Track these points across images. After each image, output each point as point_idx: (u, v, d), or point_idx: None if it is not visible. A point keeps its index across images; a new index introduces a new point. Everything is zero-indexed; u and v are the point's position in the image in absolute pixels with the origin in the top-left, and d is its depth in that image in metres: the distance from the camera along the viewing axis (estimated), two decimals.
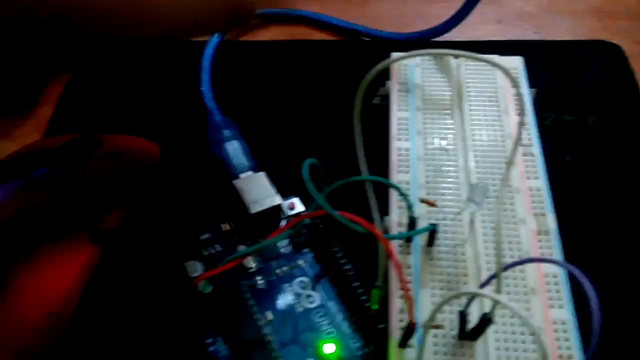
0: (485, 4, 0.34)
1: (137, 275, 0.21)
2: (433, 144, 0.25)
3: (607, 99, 0.29)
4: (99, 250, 0.20)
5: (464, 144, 0.25)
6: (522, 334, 0.20)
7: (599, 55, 0.31)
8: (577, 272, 0.16)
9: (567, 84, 0.30)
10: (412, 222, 0.22)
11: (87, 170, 0.22)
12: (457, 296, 0.19)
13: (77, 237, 0.20)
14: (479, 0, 0.29)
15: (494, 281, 0.18)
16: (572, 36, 0.33)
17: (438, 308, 0.17)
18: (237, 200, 0.24)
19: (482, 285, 0.18)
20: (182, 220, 0.23)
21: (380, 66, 0.17)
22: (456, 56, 0.27)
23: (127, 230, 0.22)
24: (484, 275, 0.21)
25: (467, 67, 0.28)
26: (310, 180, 0.18)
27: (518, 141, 0.18)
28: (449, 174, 0.24)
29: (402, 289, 0.18)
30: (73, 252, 0.19)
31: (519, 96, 0.26)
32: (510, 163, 0.18)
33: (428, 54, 0.27)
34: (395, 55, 0.17)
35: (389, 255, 0.18)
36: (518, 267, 0.21)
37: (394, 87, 0.28)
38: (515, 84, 0.17)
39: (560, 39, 0.32)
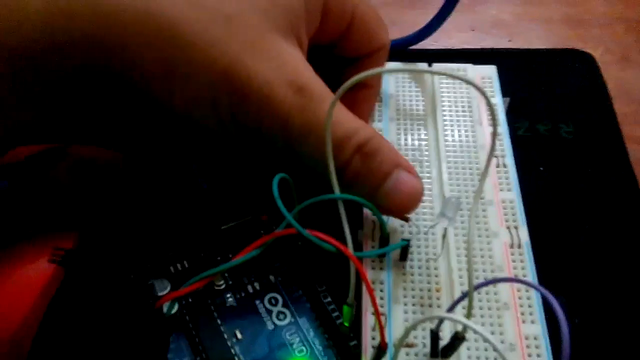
0: (460, 12, 0.34)
1: (101, 296, 0.20)
2: (406, 155, 0.25)
3: (580, 108, 0.29)
4: (61, 271, 0.19)
5: (437, 155, 0.25)
6: (495, 350, 0.20)
7: (571, 64, 0.31)
8: (546, 293, 0.16)
9: (540, 92, 0.30)
10: (384, 239, 0.21)
11: (49, 184, 0.21)
12: (426, 320, 0.19)
13: (37, 257, 0.19)
14: (453, 8, 0.28)
15: (466, 299, 0.18)
16: (545, 44, 0.33)
17: (408, 332, 0.16)
18: (205, 213, 0.23)
19: (454, 305, 0.18)
20: (148, 236, 0.23)
21: (348, 83, 0.17)
22: (428, 73, 0.27)
23: (89, 248, 0.21)
24: (457, 291, 0.21)
25: (441, 77, 0.28)
26: (279, 198, 0.17)
27: (491, 155, 0.18)
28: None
29: (374, 311, 0.18)
30: (32, 273, 0.19)
31: (491, 107, 0.26)
32: (484, 176, 0.18)
33: (401, 71, 0.27)
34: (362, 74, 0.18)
35: (360, 275, 0.17)
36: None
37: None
38: (487, 101, 0.17)
39: (533, 47, 0.32)
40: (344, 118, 0.20)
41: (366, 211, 0.23)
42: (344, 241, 0.19)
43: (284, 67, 0.19)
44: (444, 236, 0.22)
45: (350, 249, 0.18)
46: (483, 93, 0.16)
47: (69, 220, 0.21)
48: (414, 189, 0.20)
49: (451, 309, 0.18)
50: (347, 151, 0.19)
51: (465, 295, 0.18)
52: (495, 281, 0.19)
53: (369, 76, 0.17)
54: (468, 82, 0.17)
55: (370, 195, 0.20)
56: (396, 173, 0.20)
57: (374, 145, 0.19)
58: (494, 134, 0.17)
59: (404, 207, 0.20)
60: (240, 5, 0.19)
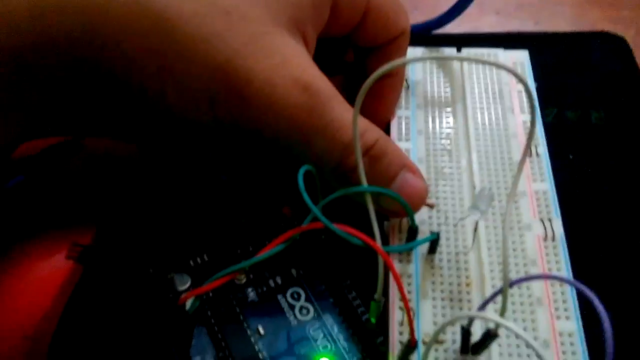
0: None
1: (120, 292, 0.20)
2: (435, 144, 0.24)
3: (611, 94, 0.28)
4: (79, 267, 0.19)
5: (467, 143, 0.24)
6: (528, 347, 0.19)
7: (601, 48, 0.30)
8: (586, 291, 0.15)
9: (569, 77, 0.29)
10: (412, 231, 0.20)
11: (65, 177, 0.20)
12: (457, 320, 0.18)
13: (55, 253, 0.19)
14: None
15: (499, 297, 0.17)
16: (573, 27, 0.32)
17: (443, 328, 0.16)
18: (224, 206, 0.22)
19: (486, 302, 0.17)
20: (167, 229, 0.22)
21: (368, 83, 0.16)
22: (460, 60, 0.26)
23: (107, 243, 0.20)
24: (488, 285, 0.20)
25: (470, 62, 0.27)
26: (305, 191, 0.17)
27: (528, 148, 0.17)
28: (451, 176, 0.23)
29: (404, 306, 0.17)
30: (51, 269, 0.18)
31: (530, 96, 0.25)
32: (520, 170, 0.17)
33: (431, 59, 0.26)
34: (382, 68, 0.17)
35: (389, 269, 0.17)
36: (524, 276, 0.20)
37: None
38: (526, 88, 0.16)
39: (560, 30, 0.31)
40: (350, 120, 0.19)
41: None
42: (371, 235, 0.18)
43: (287, 64, 0.18)
44: (475, 229, 0.21)
45: (378, 243, 0.17)
46: (522, 80, 0.15)
47: (86, 214, 0.20)
48: (419, 189, 0.20)
49: (483, 306, 0.17)
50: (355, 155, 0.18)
51: (497, 292, 0.17)
52: (529, 278, 0.18)
53: (393, 68, 0.16)
54: (505, 69, 0.16)
55: (377, 196, 0.19)
56: (402, 174, 0.20)
57: (381, 147, 0.19)
58: (533, 123, 0.16)
59: (410, 207, 0.20)
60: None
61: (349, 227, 0.17)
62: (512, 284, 0.16)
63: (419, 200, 0.20)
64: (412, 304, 0.20)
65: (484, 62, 0.18)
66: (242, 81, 0.17)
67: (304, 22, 0.19)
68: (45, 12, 0.16)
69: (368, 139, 0.19)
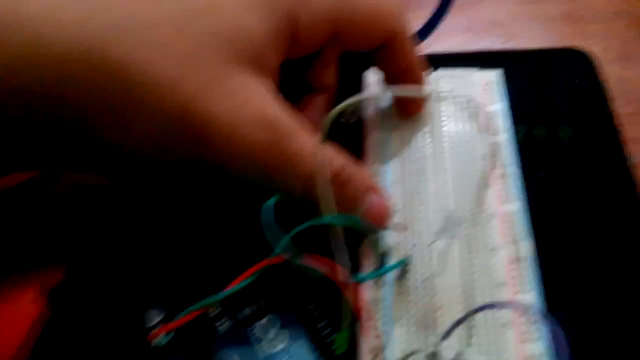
0: (454, 13, 0.33)
1: (91, 330, 0.20)
2: (410, 166, 0.24)
3: (579, 110, 0.28)
4: (48, 307, 0.19)
5: (441, 165, 0.24)
6: None
7: (570, 63, 0.31)
8: (543, 320, 0.15)
9: (539, 94, 0.29)
10: (382, 257, 0.21)
11: (41, 211, 0.20)
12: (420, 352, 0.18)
13: (24, 294, 0.19)
14: (446, 9, 0.28)
15: (463, 325, 0.17)
16: (543, 43, 0.32)
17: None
18: (198, 236, 0.23)
19: (450, 330, 0.18)
20: (141, 262, 0.22)
21: (329, 119, 0.16)
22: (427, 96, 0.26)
23: (77, 280, 0.20)
24: (459, 308, 0.20)
25: (443, 81, 0.27)
26: (269, 226, 0.17)
27: (493, 169, 0.17)
28: (425, 198, 0.23)
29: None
30: (22, 307, 0.18)
31: (495, 114, 0.26)
32: (484, 189, 0.18)
33: (399, 94, 0.26)
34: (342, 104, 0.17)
35: (354, 301, 0.17)
36: (492, 299, 0.21)
37: (368, 106, 0.27)
38: (490, 130, 0.16)
39: (531, 47, 0.32)
40: (313, 151, 0.19)
41: None
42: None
43: (247, 104, 0.18)
44: (445, 253, 0.21)
45: (344, 274, 0.18)
46: (487, 118, 0.16)
47: (56, 251, 0.20)
48: (384, 211, 0.21)
49: (447, 334, 0.18)
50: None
51: (462, 319, 0.17)
52: (487, 307, 0.18)
53: (347, 107, 0.16)
54: (476, 106, 0.16)
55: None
56: (368, 197, 0.21)
57: (347, 174, 0.20)
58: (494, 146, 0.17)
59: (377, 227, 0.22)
60: (196, 42, 0.18)
61: (316, 258, 0.17)
62: (473, 312, 0.17)
63: (384, 219, 0.22)
64: (382, 330, 0.20)
65: (451, 96, 0.19)
66: (201, 125, 0.17)
67: (264, 56, 0.19)
68: (6, 67, 0.16)
69: (334, 166, 0.19)
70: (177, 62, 0.17)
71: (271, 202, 0.17)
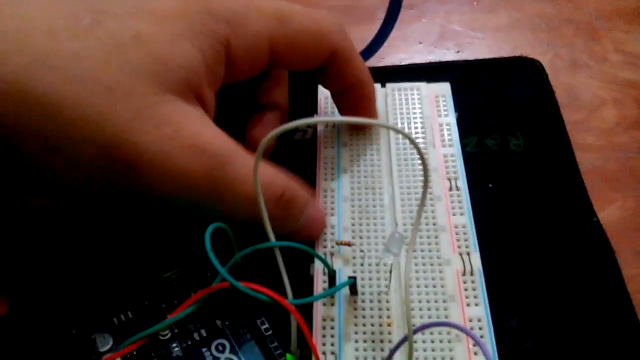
0: (407, 24, 0.34)
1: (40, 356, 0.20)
2: (359, 182, 0.25)
3: (529, 119, 0.29)
4: None
5: (390, 180, 0.24)
6: None
7: (519, 72, 0.31)
8: (477, 339, 0.15)
9: (489, 105, 0.30)
10: (331, 278, 0.21)
11: None
12: None
13: None
14: (393, 23, 0.28)
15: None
16: (494, 53, 0.33)
17: None
18: (148, 260, 0.22)
19: (393, 352, 0.18)
20: (89, 287, 0.22)
21: (264, 143, 0.16)
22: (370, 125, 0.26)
23: (21, 311, 0.20)
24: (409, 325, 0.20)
25: (394, 95, 0.27)
26: (212, 251, 0.17)
27: (426, 189, 0.18)
28: (375, 214, 0.24)
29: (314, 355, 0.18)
30: None
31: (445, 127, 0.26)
32: (421, 207, 0.18)
33: (345, 122, 0.26)
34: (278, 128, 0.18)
35: (300, 325, 0.17)
36: (443, 313, 0.21)
37: (320, 124, 0.27)
38: (419, 152, 0.16)
39: (482, 56, 0.32)
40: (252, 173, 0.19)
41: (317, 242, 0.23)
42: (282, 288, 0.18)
43: (180, 132, 0.18)
44: (391, 271, 0.21)
45: (289, 297, 0.18)
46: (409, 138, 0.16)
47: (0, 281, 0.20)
48: (320, 219, 0.23)
49: (390, 356, 0.18)
50: (266, 205, 0.19)
51: (404, 339, 0.17)
52: (426, 327, 0.18)
53: (280, 132, 0.16)
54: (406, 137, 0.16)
55: (290, 234, 0.21)
56: (305, 211, 0.21)
57: (288, 195, 0.20)
58: (425, 183, 0.17)
59: (313, 236, 0.23)
60: (124, 72, 0.17)
61: (256, 285, 0.17)
62: (415, 331, 0.17)
63: (321, 227, 0.23)
64: (334, 348, 0.20)
65: (394, 129, 0.19)
66: (132, 155, 0.17)
67: (197, 83, 0.19)
68: None
69: (275, 189, 0.20)
70: (102, 95, 0.17)
71: (212, 227, 0.17)
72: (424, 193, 0.17)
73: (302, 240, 0.21)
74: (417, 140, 0.26)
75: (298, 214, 0.21)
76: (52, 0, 0.17)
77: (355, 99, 0.24)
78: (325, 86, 0.25)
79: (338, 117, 0.25)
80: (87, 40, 0.17)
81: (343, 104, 0.25)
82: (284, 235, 0.20)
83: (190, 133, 0.18)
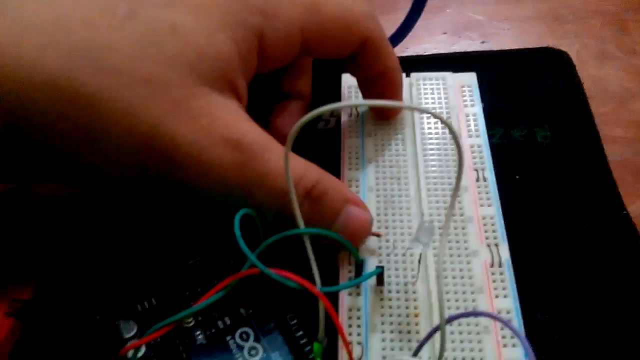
0: (431, 14, 0.34)
1: (63, 344, 0.20)
2: (384, 172, 0.24)
3: (556, 111, 0.29)
4: (19, 324, 0.18)
5: (416, 171, 0.24)
6: None
7: (546, 64, 0.31)
8: (514, 329, 0.15)
9: (515, 96, 0.29)
10: (359, 265, 0.20)
11: (7, 228, 0.20)
12: None
13: None
14: (421, 12, 0.28)
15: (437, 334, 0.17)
16: (520, 44, 0.32)
17: None
18: (172, 247, 0.22)
19: (423, 343, 0.18)
20: (114, 274, 0.22)
21: (295, 130, 0.16)
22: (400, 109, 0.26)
23: (48, 295, 0.20)
24: (437, 315, 0.20)
25: (419, 85, 0.27)
26: (241, 237, 0.17)
27: (460, 179, 0.17)
28: (401, 204, 0.23)
29: (345, 348, 0.17)
30: None
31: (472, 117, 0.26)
32: (451, 207, 0.18)
33: (375, 105, 0.26)
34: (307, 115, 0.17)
35: (329, 312, 0.17)
36: (471, 304, 0.21)
37: (344, 112, 0.26)
38: (457, 145, 0.16)
39: (508, 47, 0.32)
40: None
41: None
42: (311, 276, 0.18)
43: (214, 124, 0.18)
44: (419, 261, 0.21)
45: (318, 285, 0.17)
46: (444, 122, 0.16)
47: (27, 266, 0.20)
48: (363, 221, 0.21)
49: (420, 347, 0.18)
50: (298, 199, 0.19)
51: (433, 330, 0.17)
52: (459, 316, 0.18)
53: (313, 117, 0.16)
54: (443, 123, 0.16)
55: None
56: (345, 210, 0.20)
57: (321, 187, 0.19)
58: (460, 171, 0.17)
59: (355, 241, 0.21)
60: (161, 64, 0.17)
61: (286, 271, 0.17)
62: (449, 320, 0.17)
63: (364, 231, 0.21)
64: (361, 338, 0.20)
65: (422, 110, 0.18)
66: (169, 147, 0.17)
67: (230, 76, 0.19)
68: None
69: (307, 181, 0.19)
70: (140, 87, 0.17)
71: (241, 212, 0.17)
72: (459, 177, 0.17)
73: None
74: (444, 132, 0.25)
75: (333, 211, 0.20)
76: None
77: (383, 86, 0.24)
78: (353, 73, 0.24)
79: (367, 101, 0.25)
80: (123, 30, 0.17)
81: (370, 91, 0.24)
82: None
83: (225, 126, 0.18)
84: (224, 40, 0.18)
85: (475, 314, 0.19)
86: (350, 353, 0.18)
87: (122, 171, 0.18)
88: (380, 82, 0.24)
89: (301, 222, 0.18)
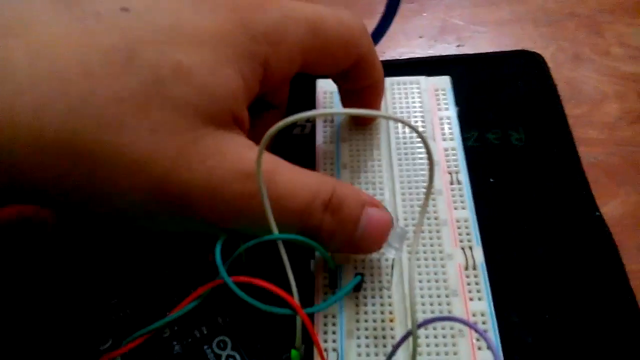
0: (407, 18, 0.34)
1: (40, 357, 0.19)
2: (359, 177, 0.24)
3: (530, 113, 0.29)
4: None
5: (391, 174, 0.24)
6: None
7: (521, 66, 0.31)
8: (482, 333, 0.15)
9: (490, 99, 0.30)
10: (332, 273, 0.21)
11: None
12: None
13: None
14: (393, 17, 0.28)
15: (411, 339, 0.17)
16: (496, 47, 0.32)
17: None
18: (148, 256, 0.22)
19: (397, 347, 0.18)
20: (89, 284, 0.22)
21: (267, 137, 0.16)
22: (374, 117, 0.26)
23: (22, 310, 0.20)
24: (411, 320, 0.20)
25: (393, 89, 0.27)
26: (222, 264, 0.17)
27: (431, 184, 0.17)
28: None
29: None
30: None
31: (446, 121, 0.26)
32: (423, 210, 0.18)
33: (346, 114, 0.26)
34: (314, 112, 0.17)
35: (307, 328, 0.17)
36: (445, 308, 0.21)
37: (319, 119, 0.27)
38: (426, 147, 0.16)
39: (483, 50, 0.32)
40: (300, 180, 0.19)
41: None
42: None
43: (224, 160, 0.17)
44: (393, 266, 0.21)
45: (295, 295, 0.18)
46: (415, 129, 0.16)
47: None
48: (383, 222, 0.20)
49: (394, 352, 0.18)
50: (316, 215, 0.19)
51: (408, 335, 0.17)
52: (430, 321, 0.18)
53: (287, 124, 0.16)
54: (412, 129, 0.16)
55: (348, 243, 0.20)
56: (364, 214, 0.20)
57: (338, 197, 0.19)
58: (430, 178, 0.17)
59: (379, 243, 0.21)
60: (166, 110, 0.17)
61: (260, 280, 0.17)
62: (419, 326, 0.17)
63: (386, 232, 0.20)
64: (337, 345, 0.20)
65: (397, 120, 0.18)
66: (181, 194, 0.17)
67: (238, 109, 0.19)
68: None
69: (323, 195, 0.19)
70: (146, 138, 0.16)
71: (219, 244, 0.17)
72: (430, 182, 0.17)
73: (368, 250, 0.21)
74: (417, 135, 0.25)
75: (354, 217, 0.19)
76: (82, 31, 0.16)
77: (367, 97, 0.24)
78: (338, 84, 0.24)
79: (346, 110, 0.25)
80: (125, 77, 0.16)
81: (353, 100, 0.24)
82: (342, 249, 0.20)
83: (233, 159, 0.18)
84: (230, 75, 0.18)
85: (444, 318, 0.19)
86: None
87: (130, 218, 0.18)
88: (365, 92, 0.24)
89: (274, 227, 0.18)
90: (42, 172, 0.16)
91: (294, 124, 0.28)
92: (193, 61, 0.17)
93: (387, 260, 0.22)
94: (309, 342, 0.19)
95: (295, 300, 0.17)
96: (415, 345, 0.17)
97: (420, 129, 0.26)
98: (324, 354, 0.19)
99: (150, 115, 0.17)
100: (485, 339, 0.15)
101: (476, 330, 0.16)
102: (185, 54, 0.17)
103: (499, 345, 0.20)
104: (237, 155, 0.18)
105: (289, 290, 0.18)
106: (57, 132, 0.16)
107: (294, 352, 0.18)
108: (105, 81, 0.16)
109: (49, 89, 0.15)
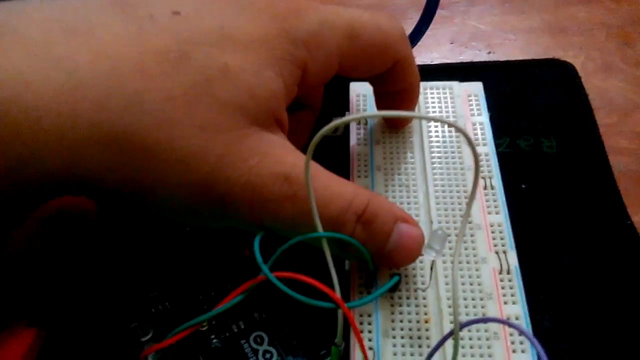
0: (438, 24, 0.34)
1: (85, 349, 0.20)
2: (393, 179, 0.25)
3: (561, 121, 0.29)
4: (41, 333, 0.19)
5: (424, 178, 0.24)
6: None
7: (552, 75, 0.31)
8: (530, 337, 0.15)
9: (521, 106, 0.30)
10: (371, 273, 0.21)
11: (15, 244, 0.20)
12: None
13: (14, 323, 0.18)
14: (428, 23, 0.28)
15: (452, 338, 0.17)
16: (526, 54, 0.33)
17: None
18: (186, 251, 0.23)
19: (437, 346, 0.18)
20: (129, 278, 0.22)
21: (315, 140, 0.17)
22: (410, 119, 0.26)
23: (67, 304, 0.20)
24: (447, 321, 0.21)
25: (426, 94, 0.27)
26: (263, 263, 0.17)
27: (475, 188, 0.18)
28: (410, 212, 0.24)
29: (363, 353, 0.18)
30: (11, 341, 0.18)
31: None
32: (469, 200, 0.18)
33: (381, 116, 0.26)
34: (361, 114, 0.18)
35: (349, 321, 0.17)
36: (480, 310, 0.21)
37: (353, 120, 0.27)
38: (471, 145, 0.16)
39: (514, 58, 0.32)
40: (337, 188, 0.19)
41: None
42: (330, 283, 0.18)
43: (265, 161, 0.18)
44: (432, 268, 0.21)
45: (337, 291, 0.18)
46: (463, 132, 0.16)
47: (43, 278, 0.20)
48: (415, 238, 0.20)
49: (436, 349, 0.18)
50: (348, 225, 0.19)
51: (447, 336, 0.17)
52: (473, 322, 0.18)
53: (336, 126, 0.16)
54: (458, 129, 0.16)
55: (378, 256, 0.20)
56: (396, 229, 0.20)
57: (372, 210, 0.19)
58: (476, 177, 0.17)
59: (408, 258, 0.21)
60: (213, 110, 0.17)
61: (302, 276, 0.17)
62: (462, 327, 0.17)
63: (416, 248, 0.20)
64: (372, 343, 0.20)
65: (436, 120, 0.19)
66: (222, 193, 0.18)
67: (279, 110, 0.19)
68: (31, 154, 0.16)
69: (357, 206, 0.19)
70: (195, 136, 0.17)
71: (257, 240, 0.18)
72: (475, 184, 0.17)
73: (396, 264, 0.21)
74: (451, 140, 0.26)
75: (386, 231, 0.20)
76: (137, 32, 0.17)
77: (401, 100, 0.24)
78: (375, 86, 0.25)
79: (383, 112, 0.25)
80: (177, 76, 0.17)
81: (389, 103, 0.25)
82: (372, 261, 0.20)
83: (274, 161, 0.18)
84: (272, 78, 0.19)
85: (486, 320, 0.19)
86: (366, 358, 0.18)
87: (173, 214, 0.18)
88: (401, 96, 0.24)
89: (319, 226, 0.18)
90: (98, 163, 0.16)
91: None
92: (238, 63, 0.18)
93: (421, 262, 0.22)
94: (346, 340, 0.20)
95: (338, 295, 0.18)
96: (457, 346, 0.17)
97: (454, 135, 0.26)
98: (360, 353, 0.20)
99: (200, 113, 0.17)
100: (533, 343, 0.16)
101: (524, 334, 0.16)
102: (231, 56, 0.18)
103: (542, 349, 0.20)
104: (278, 157, 0.18)
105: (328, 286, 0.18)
106: (114, 126, 0.16)
107: (334, 349, 0.19)
108: (158, 80, 0.17)
109: (108, 85, 0.16)
